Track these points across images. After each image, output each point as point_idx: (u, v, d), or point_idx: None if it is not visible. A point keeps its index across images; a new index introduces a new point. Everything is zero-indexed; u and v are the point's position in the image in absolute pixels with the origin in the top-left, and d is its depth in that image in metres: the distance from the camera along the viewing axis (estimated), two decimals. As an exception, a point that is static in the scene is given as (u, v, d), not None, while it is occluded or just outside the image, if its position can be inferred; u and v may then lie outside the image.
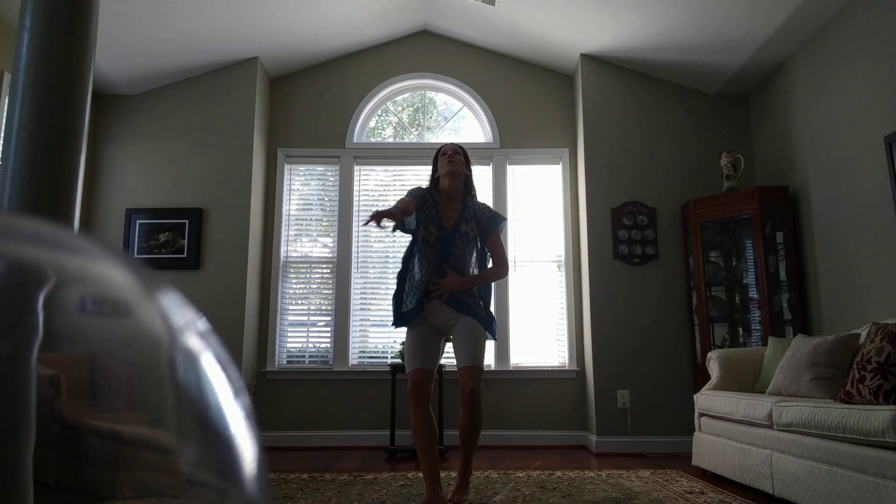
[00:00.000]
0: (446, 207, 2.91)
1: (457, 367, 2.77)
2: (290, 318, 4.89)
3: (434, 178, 2.99)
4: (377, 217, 2.53)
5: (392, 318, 2.89)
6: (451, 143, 3.01)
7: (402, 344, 4.46)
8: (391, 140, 5.27)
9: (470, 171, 3.00)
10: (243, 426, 0.51)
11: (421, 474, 3.46)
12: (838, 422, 2.33)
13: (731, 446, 3.13)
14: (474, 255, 2.93)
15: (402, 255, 4.81)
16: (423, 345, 2.78)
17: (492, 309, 3.05)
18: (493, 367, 4.69)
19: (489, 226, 2.93)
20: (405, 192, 3.00)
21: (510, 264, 4.82)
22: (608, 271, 4.54)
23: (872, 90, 3.35)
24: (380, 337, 4.88)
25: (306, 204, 5.05)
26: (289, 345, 4.85)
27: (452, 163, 2.90)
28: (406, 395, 2.75)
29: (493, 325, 2.89)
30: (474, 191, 3.03)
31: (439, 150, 3.01)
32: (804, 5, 3.65)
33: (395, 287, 2.92)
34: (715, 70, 4.54)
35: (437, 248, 2.83)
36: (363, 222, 2.89)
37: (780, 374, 3.14)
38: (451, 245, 2.84)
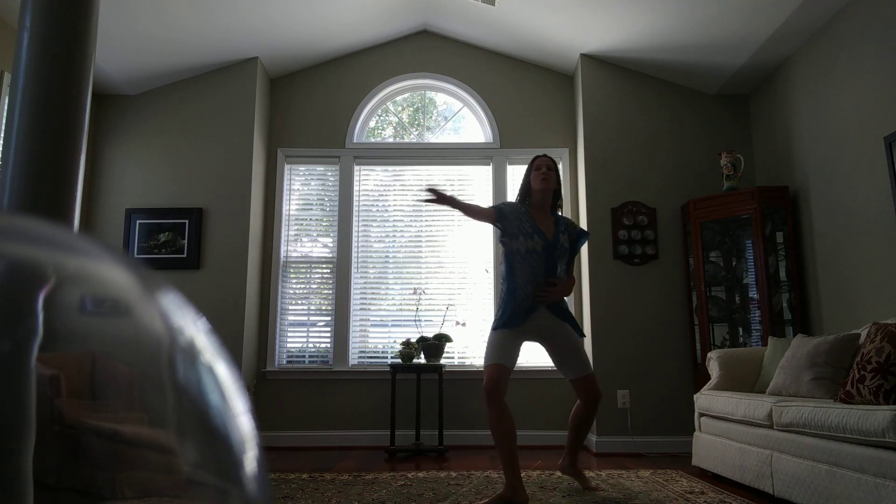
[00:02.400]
0: (541, 219, 3.09)
1: (573, 377, 2.99)
2: (290, 318, 4.89)
3: (525, 189, 3.16)
4: (440, 199, 2.87)
5: (500, 321, 2.96)
6: (546, 158, 3.16)
7: (403, 344, 4.48)
8: (391, 140, 5.27)
9: (559, 185, 3.17)
10: (243, 426, 0.51)
11: (422, 474, 3.47)
12: (838, 422, 2.33)
13: (731, 446, 3.13)
14: (565, 265, 3.12)
15: (401, 255, 4.92)
16: (505, 344, 2.91)
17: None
18: (493, 367, 4.69)
19: (579, 241, 3.17)
20: (489, 204, 3.16)
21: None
22: (608, 271, 4.54)
23: (872, 90, 3.35)
24: (380, 337, 4.88)
25: (306, 204, 5.05)
26: (289, 345, 4.85)
27: (546, 180, 3.08)
28: (483, 392, 2.85)
29: (580, 327, 3.16)
30: (561, 203, 3.23)
31: (533, 163, 3.16)
32: (804, 5, 3.65)
33: (503, 292, 3.03)
34: (715, 70, 4.54)
35: (545, 257, 2.99)
36: (424, 198, 3.06)
37: (780, 374, 3.14)
38: (554, 253, 3.02)
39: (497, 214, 3.06)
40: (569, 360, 2.99)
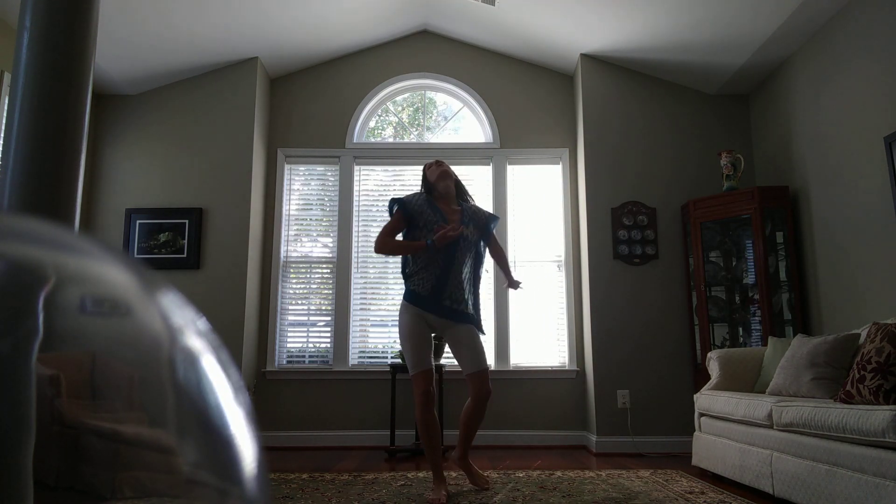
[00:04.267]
0: (448, 210, 3.10)
1: (466, 374, 2.99)
2: (290, 318, 4.89)
3: (426, 187, 3.18)
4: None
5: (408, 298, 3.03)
6: (435, 160, 3.23)
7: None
8: (391, 140, 5.27)
9: (456, 177, 3.22)
10: (243, 426, 0.51)
11: (422, 474, 3.48)
12: (838, 422, 2.33)
13: (731, 446, 3.13)
14: (472, 258, 3.10)
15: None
16: (423, 344, 2.98)
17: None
18: (493, 367, 4.69)
19: (488, 226, 3.18)
20: (392, 202, 3.14)
21: (510, 264, 4.85)
22: (608, 271, 4.54)
23: (872, 90, 3.35)
24: (380, 337, 4.88)
25: (306, 204, 5.05)
26: (289, 345, 4.85)
27: (441, 165, 3.14)
28: (414, 396, 2.97)
29: (481, 323, 3.12)
30: (468, 196, 3.27)
31: (425, 169, 3.20)
32: (804, 5, 3.65)
33: (401, 267, 3.12)
34: (715, 70, 4.54)
35: (444, 251, 2.96)
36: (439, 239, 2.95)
37: (780, 374, 3.14)
38: (457, 248, 2.99)
39: (403, 215, 3.05)
40: (465, 356, 2.99)
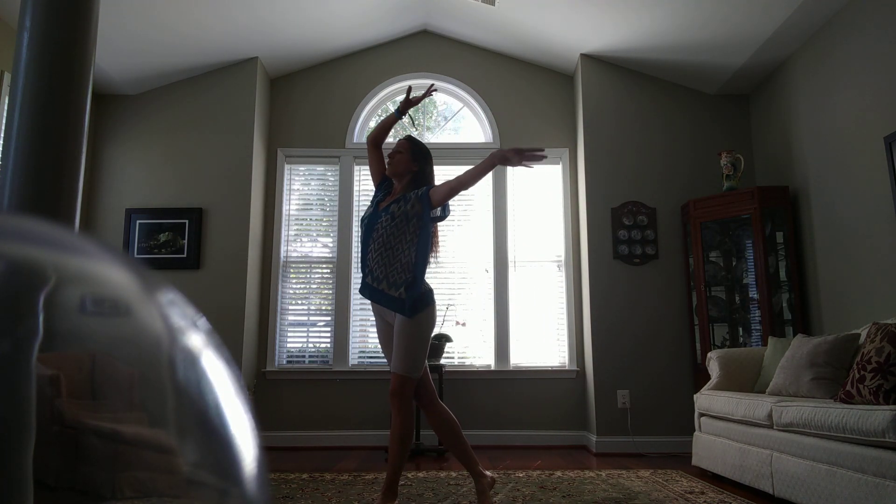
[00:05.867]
0: (396, 189, 2.80)
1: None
2: (290, 318, 4.89)
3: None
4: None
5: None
6: (402, 140, 2.86)
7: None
8: (391, 140, 5.26)
9: (417, 165, 2.77)
10: (243, 426, 0.51)
11: (422, 474, 3.47)
12: (838, 422, 2.33)
13: (731, 446, 3.13)
14: (408, 240, 2.61)
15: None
16: (384, 343, 2.78)
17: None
18: (493, 367, 4.69)
19: (424, 192, 2.67)
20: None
21: (510, 264, 4.86)
22: (608, 271, 4.54)
23: (872, 90, 3.35)
24: (380, 337, 4.88)
25: (306, 204, 5.05)
26: (289, 345, 4.85)
27: (390, 164, 2.80)
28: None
29: (404, 306, 2.57)
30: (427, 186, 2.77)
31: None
32: (804, 5, 3.65)
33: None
34: (715, 70, 4.54)
35: (363, 230, 2.70)
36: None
37: (780, 374, 3.14)
38: (374, 227, 2.64)
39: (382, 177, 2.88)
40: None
